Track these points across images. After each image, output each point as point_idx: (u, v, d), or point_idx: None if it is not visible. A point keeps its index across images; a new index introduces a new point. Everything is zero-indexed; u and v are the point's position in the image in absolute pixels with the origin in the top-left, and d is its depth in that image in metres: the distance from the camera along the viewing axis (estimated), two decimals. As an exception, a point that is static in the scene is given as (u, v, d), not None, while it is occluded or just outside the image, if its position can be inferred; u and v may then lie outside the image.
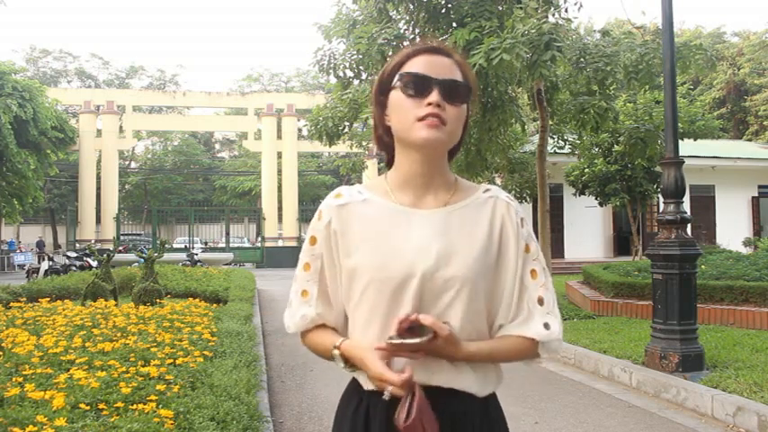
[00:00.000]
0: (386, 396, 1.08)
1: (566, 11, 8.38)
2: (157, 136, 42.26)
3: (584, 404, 4.73)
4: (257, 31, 78.81)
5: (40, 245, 26.74)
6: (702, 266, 8.37)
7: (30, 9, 65.73)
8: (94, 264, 15.31)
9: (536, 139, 10.98)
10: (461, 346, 1.13)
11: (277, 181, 27.75)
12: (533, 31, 6.59)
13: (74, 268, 15.79)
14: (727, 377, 4.63)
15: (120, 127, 27.86)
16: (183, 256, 19.89)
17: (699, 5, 61.55)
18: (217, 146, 48.63)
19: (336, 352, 1.19)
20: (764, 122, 30.26)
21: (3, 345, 4.30)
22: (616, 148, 12.71)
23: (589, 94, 9.01)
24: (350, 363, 1.18)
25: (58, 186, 35.82)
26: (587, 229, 19.33)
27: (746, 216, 20.68)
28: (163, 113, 36.30)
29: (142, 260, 10.21)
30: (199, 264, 17.92)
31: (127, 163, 41.59)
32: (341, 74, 9.12)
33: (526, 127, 11.05)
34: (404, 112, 1.19)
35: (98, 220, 26.34)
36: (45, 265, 16.38)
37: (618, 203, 14.77)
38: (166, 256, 15.22)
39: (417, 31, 8.41)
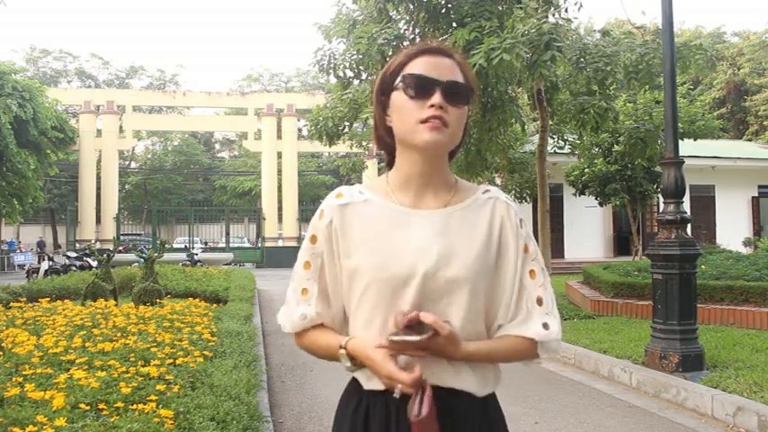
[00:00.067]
0: (396, 394, 1.08)
1: (566, 11, 8.39)
2: (157, 136, 42.26)
3: (584, 404, 4.73)
4: (257, 31, 78.90)
5: (41, 245, 26.74)
6: (702, 266, 8.37)
7: (30, 9, 65.81)
8: (94, 264, 15.31)
9: (536, 139, 10.99)
10: (461, 346, 1.14)
11: (277, 181, 27.76)
12: (533, 31, 6.59)
13: (74, 268, 15.78)
14: (727, 377, 4.63)
15: (120, 127, 27.87)
16: (183, 256, 19.88)
17: (699, 5, 61.61)
18: (217, 146, 48.63)
19: (343, 351, 1.18)
20: (764, 122, 30.26)
21: (3, 345, 4.30)
22: (616, 148, 12.72)
23: (589, 94, 9.02)
24: (355, 362, 1.18)
25: (58, 186, 35.83)
26: (587, 229, 19.33)
27: (746, 216, 20.68)
28: (163, 113, 36.30)
29: (142, 260, 10.21)
30: (199, 264, 17.93)
31: (127, 163, 41.59)
32: (341, 74, 9.13)
33: (526, 127, 11.05)
34: (406, 113, 1.20)
35: (98, 220, 26.34)
36: (45, 265, 16.38)
37: (618, 203, 14.78)
38: (166, 256, 15.21)
39: (417, 31, 8.42)
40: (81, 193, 26.09)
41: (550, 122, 9.92)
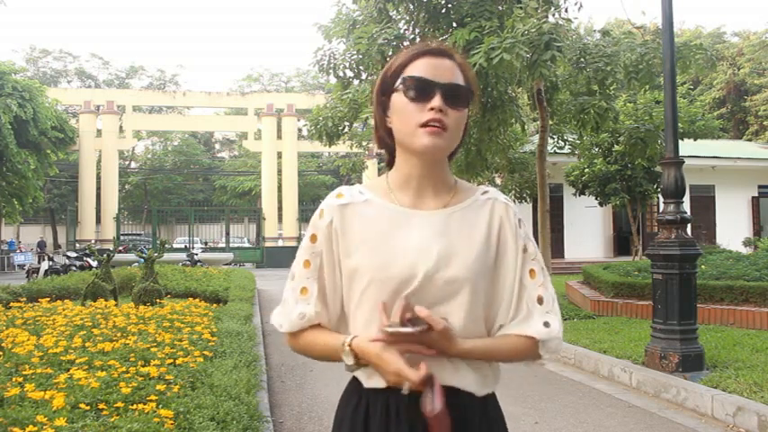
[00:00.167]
0: (405, 391, 1.09)
1: (566, 11, 8.38)
2: (157, 136, 42.26)
3: (584, 404, 4.73)
4: (257, 31, 78.91)
5: (42, 245, 26.74)
6: (702, 266, 8.37)
7: (30, 9, 65.82)
8: (94, 264, 15.31)
9: (536, 139, 10.98)
10: (456, 342, 1.14)
11: (277, 181, 27.76)
12: (533, 30, 6.59)
13: (74, 268, 15.78)
14: (727, 377, 4.63)
15: (120, 127, 27.87)
16: (183, 256, 19.89)
17: (699, 5, 61.62)
18: (217, 146, 48.63)
19: (347, 349, 1.17)
20: (764, 122, 30.27)
21: (3, 345, 4.30)
22: (616, 148, 12.71)
23: (589, 94, 9.01)
24: (358, 360, 1.17)
25: (58, 186, 35.82)
26: (587, 229, 19.33)
27: (746, 216, 20.68)
28: (163, 113, 36.30)
29: (142, 260, 10.21)
30: (199, 264, 17.93)
31: (127, 163, 41.59)
32: (341, 74, 9.13)
33: (526, 127, 11.05)
34: (406, 116, 1.20)
35: (98, 220, 26.34)
36: (45, 265, 16.38)
37: (618, 203, 14.78)
38: (166, 256, 15.22)
39: (417, 31, 8.41)
40: (81, 193, 26.09)
41: (550, 122, 9.92)
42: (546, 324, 1.20)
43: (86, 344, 4.50)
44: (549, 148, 10.18)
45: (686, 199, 6.44)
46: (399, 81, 1.22)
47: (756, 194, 20.81)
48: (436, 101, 1.17)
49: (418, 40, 8.25)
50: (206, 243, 27.35)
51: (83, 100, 26.64)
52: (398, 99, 1.21)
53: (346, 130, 10.47)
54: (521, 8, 7.01)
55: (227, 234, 26.37)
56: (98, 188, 26.27)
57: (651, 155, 10.63)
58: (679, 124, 7.21)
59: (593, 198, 15.15)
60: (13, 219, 25.46)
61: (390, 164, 1.31)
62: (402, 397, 1.15)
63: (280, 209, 27.47)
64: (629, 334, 6.63)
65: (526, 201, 15.54)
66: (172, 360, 4.10)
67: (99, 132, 26.84)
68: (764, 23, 48.72)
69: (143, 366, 3.79)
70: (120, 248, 21.54)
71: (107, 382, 3.34)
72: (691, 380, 4.75)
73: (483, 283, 1.20)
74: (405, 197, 1.25)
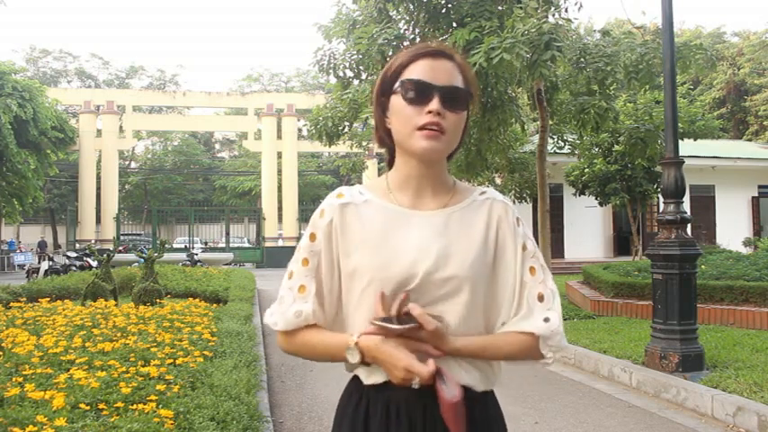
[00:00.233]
0: (415, 385, 1.10)
1: (566, 11, 8.39)
2: (157, 136, 42.26)
3: (585, 404, 4.73)
4: (257, 31, 78.92)
5: (42, 245, 26.75)
6: (702, 266, 8.37)
7: (30, 9, 65.82)
8: (94, 264, 15.31)
9: (536, 139, 10.99)
10: (447, 341, 1.15)
11: (277, 181, 27.76)
12: (533, 30, 6.59)
13: (74, 268, 15.79)
14: (727, 377, 4.63)
15: (120, 127, 27.87)
16: (183, 256, 19.89)
17: (699, 5, 61.63)
18: (217, 146, 48.64)
19: (353, 346, 1.16)
20: (764, 122, 30.27)
21: (3, 345, 4.30)
22: (616, 148, 12.72)
23: (589, 94, 9.01)
24: (364, 358, 1.16)
25: (58, 186, 35.82)
26: (587, 229, 19.34)
27: (746, 216, 20.69)
28: (163, 113, 36.30)
29: (142, 260, 10.21)
30: (199, 264, 17.93)
31: (127, 163, 41.59)
32: (341, 74, 9.13)
33: (526, 127, 11.05)
34: (404, 118, 1.20)
35: (98, 220, 26.34)
36: (45, 265, 16.38)
37: (618, 203, 14.78)
38: (166, 256, 15.22)
39: (417, 31, 8.41)
40: (81, 193, 26.09)
41: (550, 122, 9.92)
42: (546, 320, 1.21)
43: (86, 344, 4.50)
44: (549, 148, 10.18)
45: (686, 199, 6.44)
46: (398, 83, 1.22)
47: (756, 194, 20.81)
48: (434, 104, 1.18)
49: (418, 40, 8.25)
50: (206, 243, 27.36)
51: (83, 100, 26.65)
52: (397, 101, 1.22)
53: (346, 130, 10.47)
54: (521, 8, 7.01)
55: (227, 234, 26.37)
56: (98, 188, 26.27)
57: (651, 155, 10.63)
58: (679, 124, 7.21)
59: (593, 198, 15.15)
60: (13, 219, 25.46)
61: (391, 163, 1.31)
62: (402, 395, 1.15)
63: (280, 209, 27.47)
64: (629, 334, 6.63)
65: (526, 201, 15.53)
66: (172, 360, 4.10)
67: (99, 132, 26.84)
68: (764, 23, 48.75)
69: (143, 366, 3.79)
70: (120, 248, 21.54)
71: (107, 382, 3.34)
72: (691, 380, 4.75)
73: (482, 283, 1.20)
74: (404, 197, 1.26)
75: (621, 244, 19.47)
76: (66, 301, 7.95)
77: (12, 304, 7.24)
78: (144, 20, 73.18)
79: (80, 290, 8.34)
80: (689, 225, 5.40)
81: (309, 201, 33.22)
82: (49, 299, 8.00)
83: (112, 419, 2.80)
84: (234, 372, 3.99)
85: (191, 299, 8.36)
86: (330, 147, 11.31)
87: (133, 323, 5.50)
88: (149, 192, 40.78)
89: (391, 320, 1.12)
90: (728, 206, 20.25)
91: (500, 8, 7.71)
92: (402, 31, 8.31)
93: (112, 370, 3.68)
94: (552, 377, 5.58)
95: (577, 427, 4.16)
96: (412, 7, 8.11)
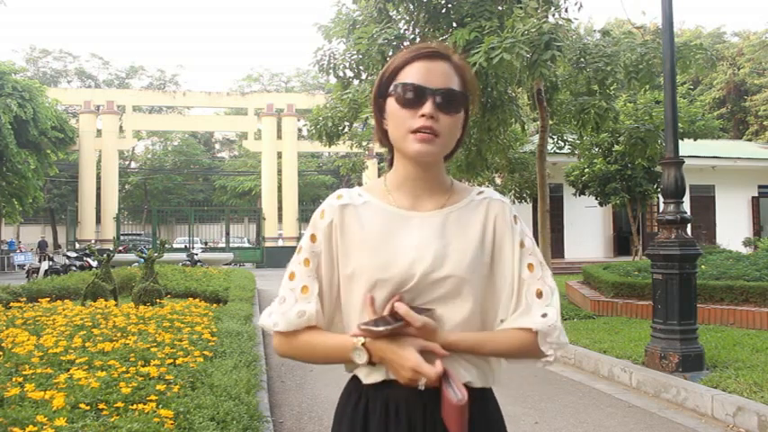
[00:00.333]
0: (420, 386, 1.11)
1: (566, 11, 8.38)
2: (157, 136, 42.26)
3: (585, 404, 4.73)
4: (257, 31, 78.93)
5: (43, 245, 26.75)
6: (702, 266, 8.37)
7: (30, 9, 65.82)
8: (94, 264, 15.31)
9: (536, 139, 10.98)
10: (439, 335, 1.15)
11: (277, 181, 27.76)
12: (533, 30, 6.59)
13: (74, 268, 15.79)
14: (727, 377, 4.63)
15: (120, 127, 27.88)
16: (183, 256, 19.89)
17: (699, 5, 61.63)
18: (217, 146, 48.63)
19: (360, 346, 1.15)
20: (764, 122, 30.27)
21: (3, 345, 4.30)
22: (616, 148, 12.71)
23: (589, 94, 9.01)
24: (371, 359, 1.15)
25: (58, 186, 35.82)
26: (587, 229, 19.33)
27: (746, 216, 20.69)
28: (163, 113, 36.31)
29: (142, 260, 10.21)
30: (199, 264, 17.93)
31: (127, 163, 41.59)
32: (341, 74, 9.13)
33: (526, 127, 11.04)
34: (398, 121, 1.21)
35: (98, 220, 26.35)
36: (45, 265, 16.38)
37: (618, 203, 14.78)
38: (166, 256, 15.22)
39: (417, 31, 8.41)
40: (81, 193, 26.10)
41: (550, 122, 9.91)
42: (544, 315, 1.21)
43: (86, 344, 4.50)
44: (549, 148, 10.18)
45: (686, 199, 6.44)
46: (392, 87, 1.22)
47: (756, 194, 20.81)
48: (427, 107, 1.18)
49: (418, 40, 8.25)
50: (206, 243, 27.36)
51: (83, 100, 26.65)
52: (391, 104, 1.22)
53: (346, 130, 10.47)
54: (521, 8, 7.01)
55: (227, 234, 26.38)
56: (98, 188, 26.27)
57: (651, 155, 10.63)
58: (679, 124, 7.21)
59: (594, 198, 15.15)
60: (13, 219, 25.47)
61: (392, 163, 1.32)
62: (402, 394, 1.16)
63: (280, 209, 27.48)
64: (629, 334, 6.63)
65: (526, 201, 15.54)
66: (172, 360, 4.10)
67: (99, 132, 26.85)
68: (764, 23, 48.75)
69: (143, 366, 3.79)
70: (120, 248, 21.54)
71: (107, 382, 3.34)
72: (691, 380, 4.75)
73: (480, 282, 1.21)
74: (402, 198, 1.26)
75: (621, 244, 19.47)
76: (66, 301, 7.95)
77: (12, 304, 7.24)
78: (144, 20, 73.27)
79: (80, 290, 8.34)
80: (689, 225, 5.40)
81: (309, 201, 33.23)
82: (49, 299, 8.00)
83: (112, 419, 2.80)
84: (234, 372, 3.99)
85: (191, 299, 8.36)
86: (330, 147, 11.30)
87: (133, 323, 5.50)
88: (149, 192, 40.78)
89: (381, 322, 1.12)
90: (728, 206, 20.25)
91: (500, 8, 7.71)
92: (402, 31, 8.31)
93: (112, 370, 3.68)
94: (552, 377, 5.58)
95: (577, 427, 4.16)
96: (412, 7, 8.11)
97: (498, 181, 16.02)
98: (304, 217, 27.01)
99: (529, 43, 6.59)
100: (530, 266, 1.24)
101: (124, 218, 29.80)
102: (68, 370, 3.69)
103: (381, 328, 1.11)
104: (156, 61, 74.49)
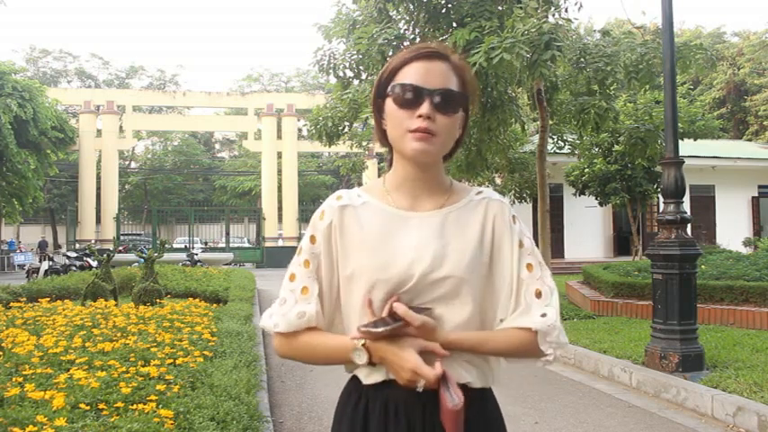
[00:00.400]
0: (419, 388, 1.11)
1: (566, 11, 8.38)
2: (157, 136, 42.26)
3: (584, 404, 4.73)
4: (257, 31, 78.93)
5: (43, 245, 26.75)
6: (702, 266, 8.37)
7: (30, 9, 65.82)
8: (94, 264, 15.31)
9: (536, 139, 10.98)
10: (438, 335, 1.15)
11: (277, 181, 27.76)
12: (533, 30, 6.59)
13: (74, 268, 15.78)
14: (727, 377, 4.63)
15: (120, 127, 27.88)
16: (183, 256, 19.89)
17: (699, 5, 61.63)
18: (217, 146, 48.63)
19: (361, 346, 1.15)
20: (764, 122, 30.27)
21: (3, 345, 4.30)
22: (616, 148, 12.72)
23: (589, 94, 9.01)
24: (371, 359, 1.16)
25: (58, 186, 35.82)
26: (587, 229, 19.33)
27: (746, 216, 20.69)
28: (163, 113, 36.30)
29: (142, 260, 10.21)
30: (199, 264, 17.93)
31: (127, 163, 41.59)
32: (341, 74, 9.13)
33: (526, 127, 11.05)
34: (396, 122, 1.21)
35: (98, 220, 26.34)
36: (45, 265, 16.38)
37: (618, 203, 14.78)
38: (166, 256, 15.22)
39: (417, 31, 8.41)
40: (81, 193, 26.10)
41: (550, 122, 9.92)
42: (543, 315, 1.21)
43: (86, 344, 4.50)
44: (549, 148, 10.18)
45: (686, 199, 6.44)
46: (390, 88, 1.22)
47: (756, 194, 20.81)
48: (424, 108, 1.18)
49: (418, 40, 8.25)
50: (206, 243, 27.36)
51: (83, 100, 26.65)
52: (389, 104, 1.22)
53: (346, 130, 10.47)
54: (521, 8, 7.01)
55: (227, 234, 26.38)
56: (98, 188, 26.27)
57: (651, 155, 10.63)
58: (679, 124, 7.21)
59: (594, 198, 15.15)
60: (13, 219, 25.47)
61: (392, 163, 1.32)
62: (401, 395, 1.16)
63: (280, 209, 27.48)
64: (629, 334, 6.63)
65: (526, 201, 15.54)
66: (172, 360, 4.10)
67: (99, 132, 26.85)
68: (764, 23, 48.75)
69: (143, 366, 3.79)
70: (120, 248, 21.54)
71: (107, 382, 3.34)
72: (691, 380, 4.75)
73: (479, 282, 1.21)
74: (401, 199, 1.26)
75: (621, 244, 19.47)
76: (66, 301, 7.95)
77: (12, 304, 7.24)
78: (144, 20, 73.27)
79: (80, 290, 8.34)
80: (689, 225, 5.40)
81: (309, 201, 33.23)
82: (49, 299, 8.00)
83: (112, 419, 2.80)
84: (234, 372, 3.99)
85: (191, 299, 8.36)
86: (330, 147, 11.31)
87: (133, 323, 5.50)
88: (149, 192, 40.78)
89: (380, 323, 1.12)
90: (728, 206, 20.25)
91: (500, 8, 7.71)
92: (402, 31, 8.32)
93: (112, 370, 3.68)
94: (552, 377, 5.58)
95: (577, 427, 4.16)
96: (412, 7, 8.11)
97: (498, 181, 16.02)
98: (304, 217, 27.00)
99: (529, 43, 6.59)
100: (529, 266, 1.24)
101: (124, 218, 29.80)
102: (68, 370, 3.69)
103: (380, 330, 1.11)
104: (156, 61, 74.59)
